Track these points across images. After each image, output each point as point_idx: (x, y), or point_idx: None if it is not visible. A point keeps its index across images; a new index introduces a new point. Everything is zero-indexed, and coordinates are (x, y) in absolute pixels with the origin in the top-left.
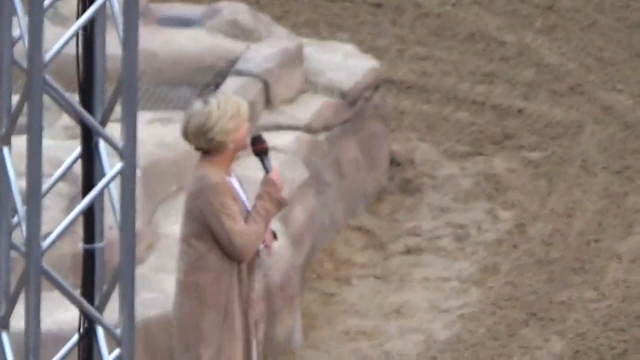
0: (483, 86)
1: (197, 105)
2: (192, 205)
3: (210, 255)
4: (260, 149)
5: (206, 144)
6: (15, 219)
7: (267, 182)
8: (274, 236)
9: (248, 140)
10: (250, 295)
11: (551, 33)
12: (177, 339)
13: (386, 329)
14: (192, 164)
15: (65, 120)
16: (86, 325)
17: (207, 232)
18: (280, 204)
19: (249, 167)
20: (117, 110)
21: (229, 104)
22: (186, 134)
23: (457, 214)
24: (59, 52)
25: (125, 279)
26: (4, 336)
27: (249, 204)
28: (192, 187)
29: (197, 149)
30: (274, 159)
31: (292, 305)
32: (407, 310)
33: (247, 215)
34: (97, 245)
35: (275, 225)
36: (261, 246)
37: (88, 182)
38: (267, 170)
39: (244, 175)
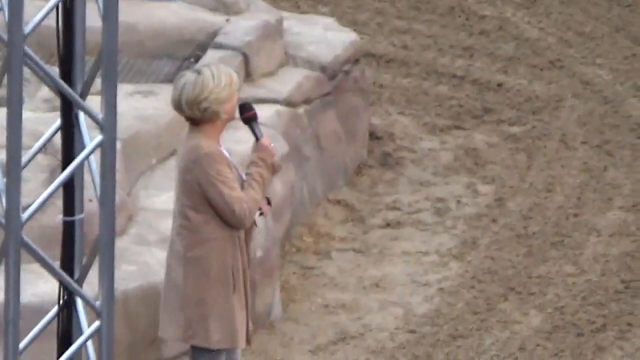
0: (463, 60)
1: (190, 75)
2: (188, 177)
3: (210, 227)
4: (249, 116)
5: (200, 113)
6: None
7: (259, 148)
8: (269, 202)
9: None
10: (248, 263)
11: (531, 7)
12: (179, 315)
13: (365, 303)
14: (173, 136)
15: (45, 92)
16: (66, 297)
17: (204, 203)
18: (274, 168)
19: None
20: (97, 82)
21: (222, 74)
22: (179, 104)
23: (437, 188)
24: (38, 24)
25: (105, 251)
26: None
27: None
28: (186, 158)
29: (189, 119)
30: None
31: (271, 278)
32: (386, 283)
33: (242, 183)
34: (77, 217)
35: None
36: (257, 213)
37: (68, 155)
38: (257, 137)
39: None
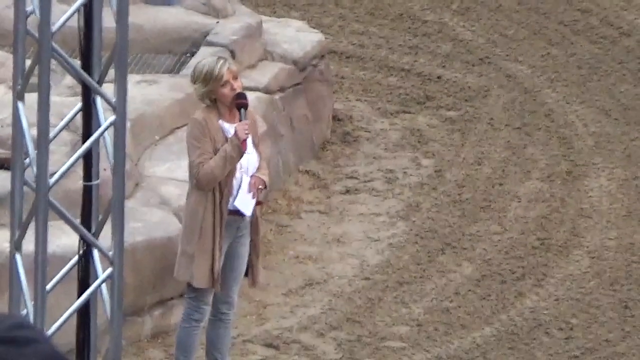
0: (409, 57)
1: (195, 65)
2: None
3: (190, 186)
4: (239, 104)
5: (197, 94)
6: (27, 161)
7: (234, 131)
8: (265, 186)
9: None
10: (222, 218)
11: (465, 14)
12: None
13: (329, 255)
14: (173, 117)
15: (69, 80)
16: (84, 248)
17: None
18: (239, 149)
19: None
20: (111, 72)
21: (206, 67)
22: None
23: (387, 161)
24: (63, 24)
25: (116, 210)
26: (18, 257)
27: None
28: None
29: None
30: None
31: None
32: (345, 239)
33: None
34: (94, 182)
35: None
36: (253, 202)
37: (87, 131)
38: (240, 121)
39: None
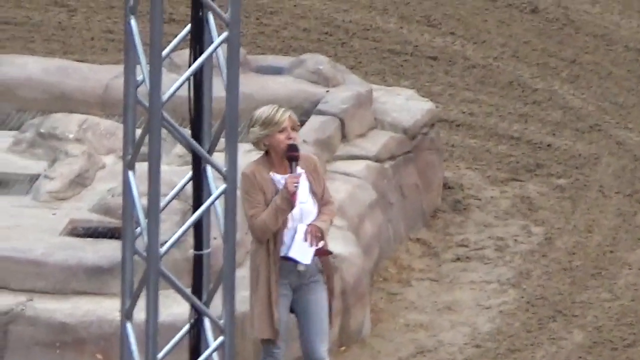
0: (519, 124)
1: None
2: None
3: (252, 242)
4: (289, 156)
5: (252, 143)
6: (138, 230)
7: (284, 184)
8: (322, 234)
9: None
10: (275, 266)
11: (575, 81)
12: None
13: (439, 322)
14: None
15: (179, 149)
16: (195, 317)
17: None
18: (289, 202)
19: None
20: (222, 141)
21: (267, 111)
22: None
23: (498, 229)
24: (174, 93)
25: (227, 279)
26: (129, 326)
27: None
28: None
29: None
30: (349, 183)
31: (362, 302)
32: (456, 307)
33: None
34: (205, 251)
35: (349, 237)
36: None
37: (197, 200)
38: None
39: None
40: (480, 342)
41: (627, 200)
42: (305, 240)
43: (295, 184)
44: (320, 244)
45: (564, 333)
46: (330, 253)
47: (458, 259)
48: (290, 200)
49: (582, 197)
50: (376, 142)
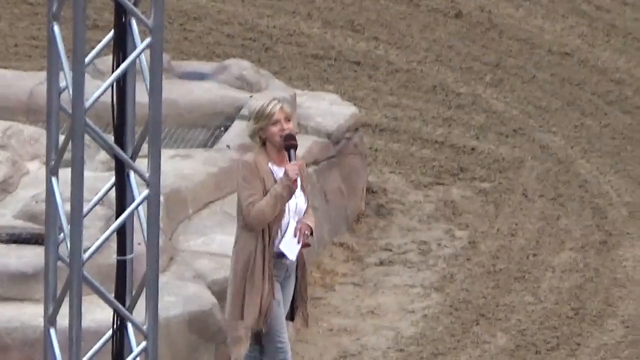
0: (442, 129)
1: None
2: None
3: (240, 226)
4: (288, 145)
5: (249, 136)
6: (61, 236)
7: (284, 171)
8: (311, 233)
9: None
10: (271, 259)
11: (498, 85)
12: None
13: (363, 327)
14: (207, 191)
15: (103, 155)
16: (118, 322)
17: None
18: (290, 189)
19: None
20: (145, 147)
21: (259, 104)
22: None
23: (421, 233)
24: (97, 99)
25: (151, 284)
26: (52, 332)
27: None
28: None
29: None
30: None
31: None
32: (380, 311)
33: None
34: (128, 257)
35: None
36: (298, 246)
37: (120, 206)
38: (290, 161)
39: None
40: (404, 346)
41: (550, 204)
42: (295, 236)
43: (296, 171)
44: (309, 240)
45: (488, 336)
46: (309, 245)
47: (382, 263)
48: (291, 186)
49: (506, 200)
50: (300, 146)
